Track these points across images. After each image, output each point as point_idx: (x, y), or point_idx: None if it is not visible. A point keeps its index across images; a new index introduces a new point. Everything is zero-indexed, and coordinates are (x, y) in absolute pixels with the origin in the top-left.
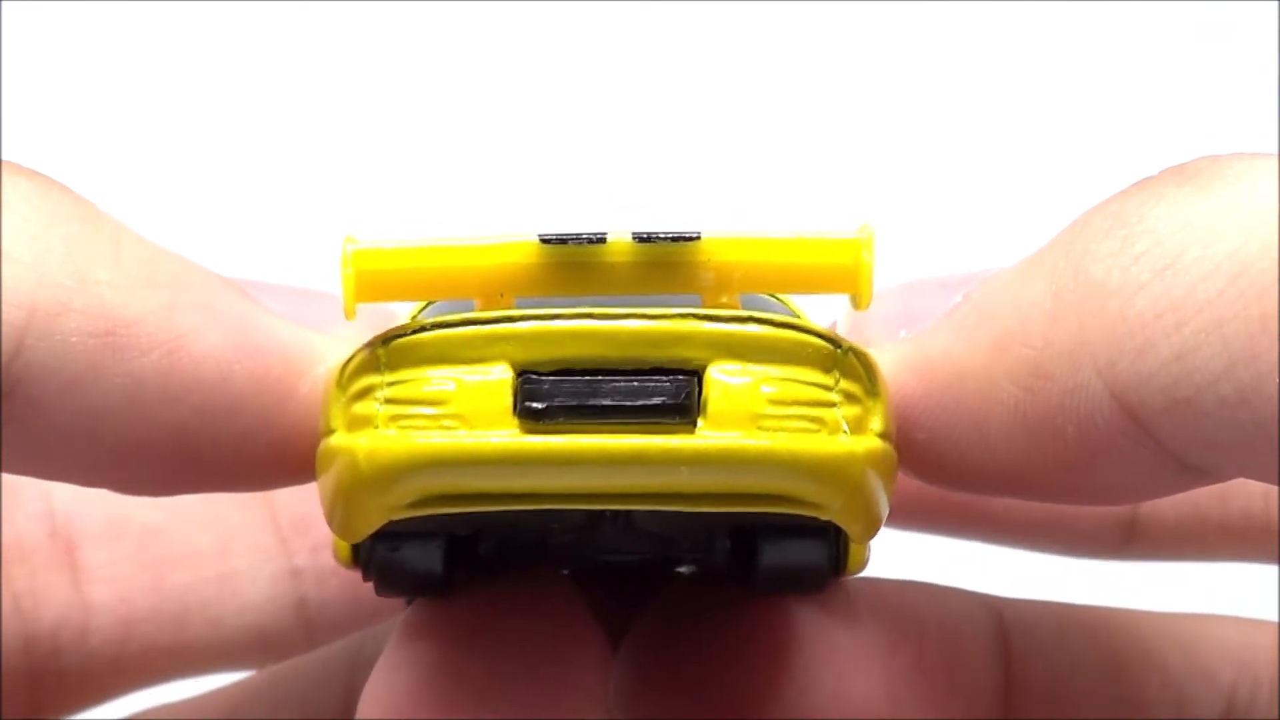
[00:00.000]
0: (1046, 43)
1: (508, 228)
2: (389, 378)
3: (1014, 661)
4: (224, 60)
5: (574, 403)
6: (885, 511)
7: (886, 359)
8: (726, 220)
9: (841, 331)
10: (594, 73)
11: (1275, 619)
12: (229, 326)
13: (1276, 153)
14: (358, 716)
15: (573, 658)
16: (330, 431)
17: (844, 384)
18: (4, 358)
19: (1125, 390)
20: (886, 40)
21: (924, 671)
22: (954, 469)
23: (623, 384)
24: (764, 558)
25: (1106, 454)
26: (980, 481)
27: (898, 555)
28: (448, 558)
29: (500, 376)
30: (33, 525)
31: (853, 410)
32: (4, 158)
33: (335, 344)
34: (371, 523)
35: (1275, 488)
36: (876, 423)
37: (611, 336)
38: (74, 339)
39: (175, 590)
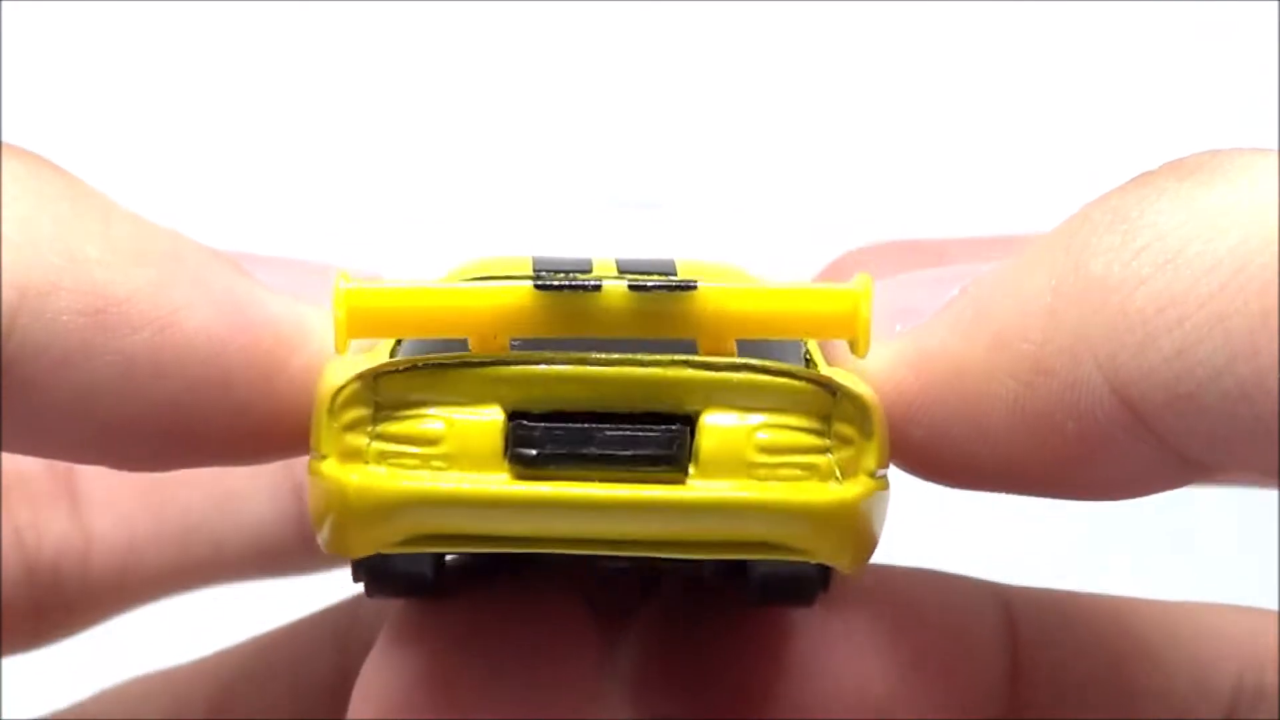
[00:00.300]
0: (1046, 43)
1: (506, 224)
2: (380, 412)
3: (1020, 650)
4: (219, 44)
5: (565, 450)
6: (876, 544)
7: (883, 354)
8: (725, 212)
9: None
10: (594, 70)
11: (1276, 608)
12: (221, 301)
13: (1277, 148)
14: (349, 717)
15: (567, 656)
16: (321, 456)
17: (838, 427)
18: None
19: (1126, 385)
20: (888, 36)
21: (928, 661)
22: (953, 464)
23: (614, 433)
24: (755, 571)
25: (1107, 449)
26: (979, 477)
27: (904, 542)
28: (438, 562)
29: (492, 419)
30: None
31: (846, 453)
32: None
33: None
34: (361, 551)
35: None
36: (870, 461)
37: (605, 382)
38: (65, 318)
39: (175, 513)
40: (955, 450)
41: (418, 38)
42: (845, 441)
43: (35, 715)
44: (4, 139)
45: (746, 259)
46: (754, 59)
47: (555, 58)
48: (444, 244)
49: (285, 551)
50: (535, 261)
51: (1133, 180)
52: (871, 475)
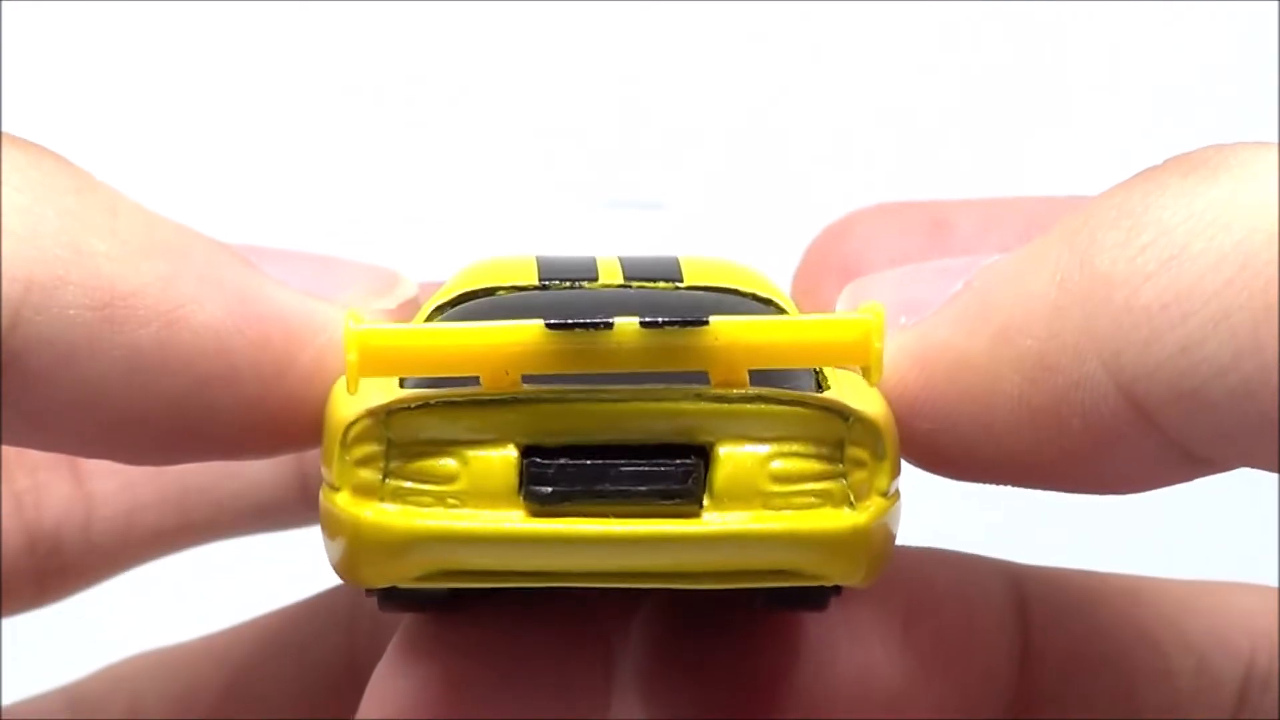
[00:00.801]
0: (1048, 42)
1: (508, 224)
2: (393, 448)
3: (1033, 630)
4: (219, 46)
5: (579, 487)
6: (890, 556)
7: (888, 348)
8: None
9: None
10: (595, 70)
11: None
12: (229, 295)
13: (1278, 145)
14: (358, 717)
15: (576, 660)
16: (335, 488)
17: (851, 451)
18: (1, 332)
19: (1131, 382)
20: (889, 34)
21: (940, 647)
22: (958, 458)
23: (628, 468)
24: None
25: (1111, 445)
26: (985, 470)
27: (919, 522)
28: None
29: (506, 455)
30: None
31: (859, 476)
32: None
33: (340, 311)
34: (374, 583)
35: None
36: (882, 481)
37: (618, 416)
38: (72, 311)
39: (176, 475)
40: (960, 444)
41: (421, 38)
42: (858, 465)
43: (40, 691)
44: (7, 131)
45: (747, 258)
46: (754, 59)
47: (556, 58)
48: (448, 243)
49: (284, 509)
50: (540, 263)
51: (1137, 176)
52: (884, 494)
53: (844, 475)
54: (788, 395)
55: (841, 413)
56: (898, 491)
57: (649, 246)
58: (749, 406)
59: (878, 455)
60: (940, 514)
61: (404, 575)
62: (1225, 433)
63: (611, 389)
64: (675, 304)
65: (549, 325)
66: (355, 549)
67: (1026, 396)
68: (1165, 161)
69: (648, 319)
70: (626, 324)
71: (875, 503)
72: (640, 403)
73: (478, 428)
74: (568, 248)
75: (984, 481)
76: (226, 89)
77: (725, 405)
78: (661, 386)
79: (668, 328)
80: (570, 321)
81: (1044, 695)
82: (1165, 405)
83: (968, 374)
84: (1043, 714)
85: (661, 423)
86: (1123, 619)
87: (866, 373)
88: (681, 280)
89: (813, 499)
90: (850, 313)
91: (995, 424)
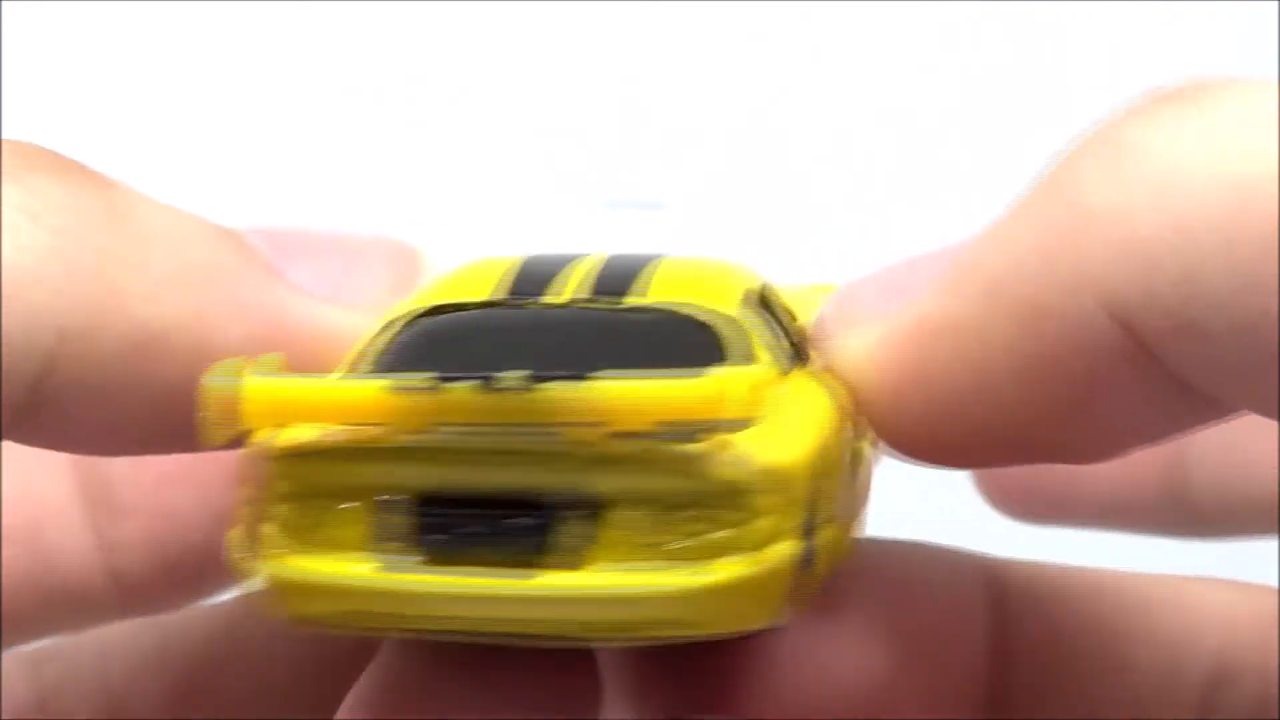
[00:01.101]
0: (1047, 38)
1: (509, 225)
2: (270, 493)
3: (1009, 624)
4: (216, 48)
5: (432, 537)
6: (815, 589)
7: (877, 331)
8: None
9: (828, 313)
10: (596, 70)
11: (1273, 584)
12: (253, 320)
13: (1274, 82)
14: (338, 717)
15: (562, 671)
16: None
17: (750, 498)
18: (34, 379)
19: (1130, 315)
20: (890, 32)
21: (918, 646)
22: (957, 436)
23: (483, 526)
24: None
25: (1112, 388)
26: (985, 446)
27: (896, 514)
28: None
29: (362, 506)
30: None
31: (762, 523)
32: (24, 138)
33: (358, 316)
34: (292, 622)
35: None
36: (791, 520)
37: (473, 469)
38: (104, 355)
39: None
40: (958, 419)
41: (421, 38)
42: (757, 511)
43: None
44: (49, 149)
45: (747, 258)
46: (754, 59)
47: (557, 58)
48: (448, 243)
49: (95, 603)
50: (519, 270)
51: (1120, 112)
52: (798, 532)
53: (742, 523)
54: (670, 450)
55: (733, 460)
56: (824, 521)
57: (649, 247)
58: (633, 455)
59: (785, 496)
60: (920, 506)
61: (294, 618)
62: (1225, 365)
63: (476, 437)
64: (584, 337)
65: (392, 389)
66: (260, 588)
67: (1023, 348)
68: (1144, 96)
69: (482, 384)
70: (457, 387)
71: (780, 547)
72: (495, 457)
73: (335, 478)
74: (568, 248)
75: (987, 462)
76: (226, 83)
77: (606, 453)
78: (537, 436)
79: (504, 392)
80: (406, 385)
81: (1018, 692)
82: (1165, 337)
83: (960, 336)
84: (1016, 711)
85: (522, 471)
86: (1097, 614)
87: (724, 431)
88: (632, 295)
89: (705, 548)
90: (698, 372)
91: (993, 385)
